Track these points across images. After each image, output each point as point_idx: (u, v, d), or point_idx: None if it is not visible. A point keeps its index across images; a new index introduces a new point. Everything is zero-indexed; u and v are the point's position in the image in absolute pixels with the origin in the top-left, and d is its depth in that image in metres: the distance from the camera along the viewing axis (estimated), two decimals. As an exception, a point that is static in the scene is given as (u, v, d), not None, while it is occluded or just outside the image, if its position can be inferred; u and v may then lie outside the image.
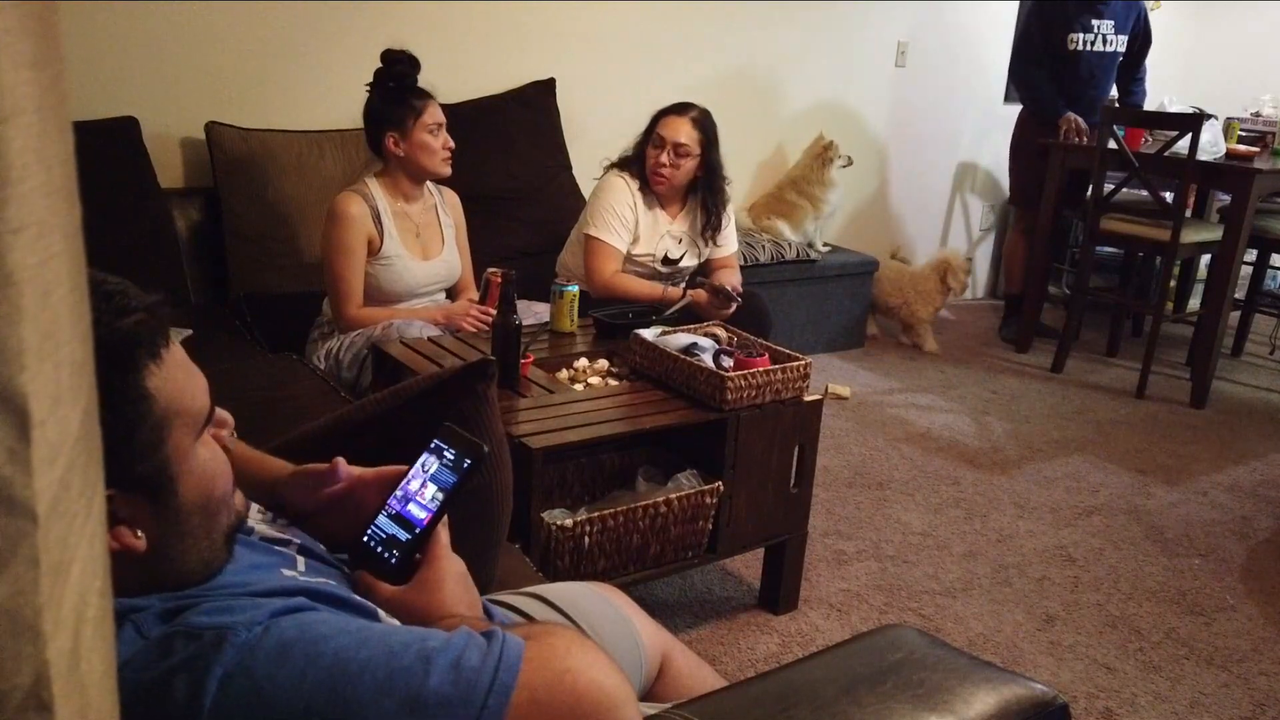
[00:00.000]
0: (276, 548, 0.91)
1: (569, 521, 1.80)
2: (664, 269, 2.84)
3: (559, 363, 2.23)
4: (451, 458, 0.97)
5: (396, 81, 2.41)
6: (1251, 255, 4.24)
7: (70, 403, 0.37)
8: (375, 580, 0.93)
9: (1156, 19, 4.62)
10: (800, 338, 3.95)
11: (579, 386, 2.12)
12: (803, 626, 2.20)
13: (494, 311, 2.19)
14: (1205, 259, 4.41)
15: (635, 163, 2.77)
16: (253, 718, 0.70)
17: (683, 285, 2.71)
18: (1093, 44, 4.09)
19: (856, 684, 0.88)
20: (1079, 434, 3.44)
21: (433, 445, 0.99)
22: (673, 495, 1.92)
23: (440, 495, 0.95)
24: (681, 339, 2.10)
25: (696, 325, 2.27)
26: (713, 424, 1.97)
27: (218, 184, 2.79)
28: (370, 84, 2.43)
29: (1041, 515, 2.82)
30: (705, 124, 2.73)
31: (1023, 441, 3.34)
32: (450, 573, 0.93)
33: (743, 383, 1.95)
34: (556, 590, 1.27)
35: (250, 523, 0.92)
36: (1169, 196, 3.77)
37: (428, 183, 2.54)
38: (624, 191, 2.74)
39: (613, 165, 2.82)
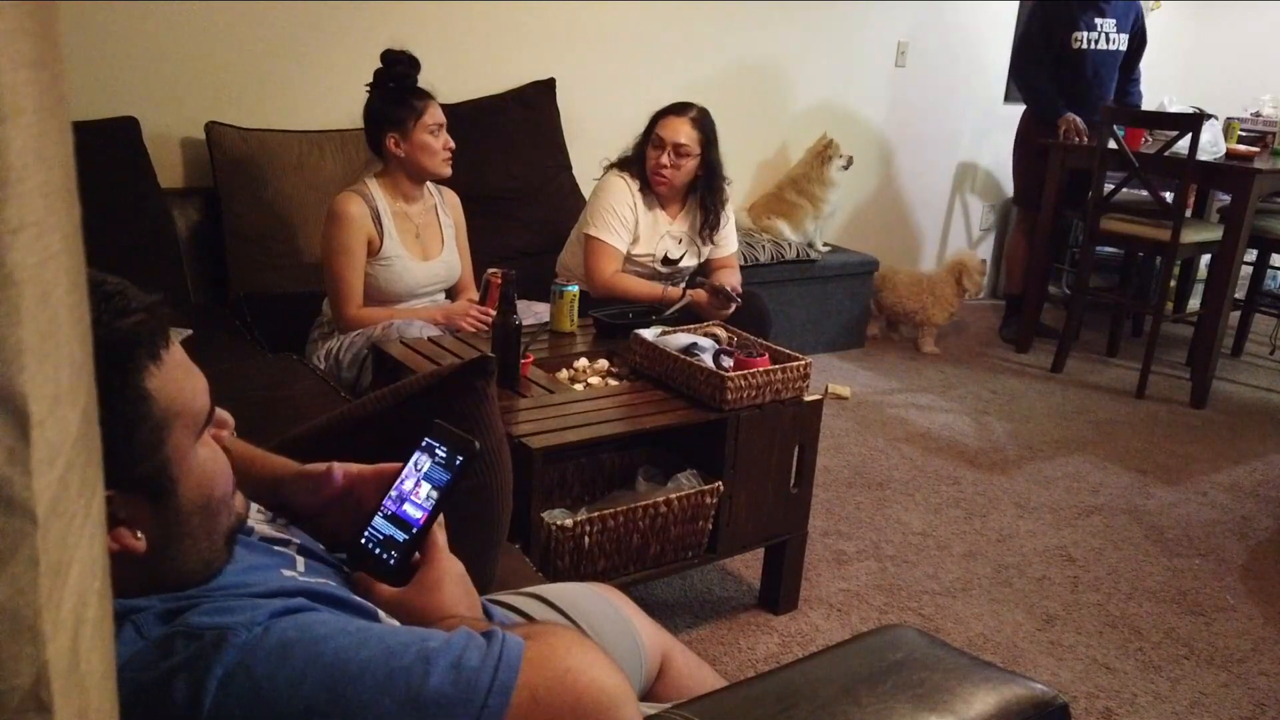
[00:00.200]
0: (276, 548, 0.91)
1: (569, 521, 1.80)
2: (664, 269, 2.84)
3: (559, 363, 2.23)
4: (444, 455, 0.96)
5: (397, 82, 2.40)
6: (1251, 255, 4.24)
7: (69, 403, 0.37)
8: (374, 581, 0.92)
9: (1157, 19, 4.63)
10: (800, 338, 3.95)
11: (579, 386, 2.12)
12: (803, 626, 2.20)
13: (494, 311, 2.19)
14: (1205, 259, 4.41)
15: (635, 163, 2.77)
16: (253, 718, 0.70)
17: (682, 285, 2.71)
18: (1096, 42, 4.09)
19: (856, 684, 0.88)
20: (1079, 434, 3.44)
21: (424, 443, 0.98)
22: (673, 495, 1.92)
23: (435, 494, 0.94)
24: (681, 339, 2.10)
25: (696, 325, 2.27)
26: (713, 424, 1.97)
27: (218, 184, 2.79)
28: (370, 84, 2.43)
29: (1041, 515, 2.82)
30: (704, 123, 2.73)
31: (1023, 441, 3.34)
32: (449, 573, 0.93)
33: (743, 383, 1.95)
34: (556, 590, 1.27)
35: (250, 523, 0.92)
36: (1169, 196, 3.77)
37: (428, 183, 2.54)
38: (624, 191, 2.74)
39: (612, 165, 2.82)
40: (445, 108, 2.50)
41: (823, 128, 4.10)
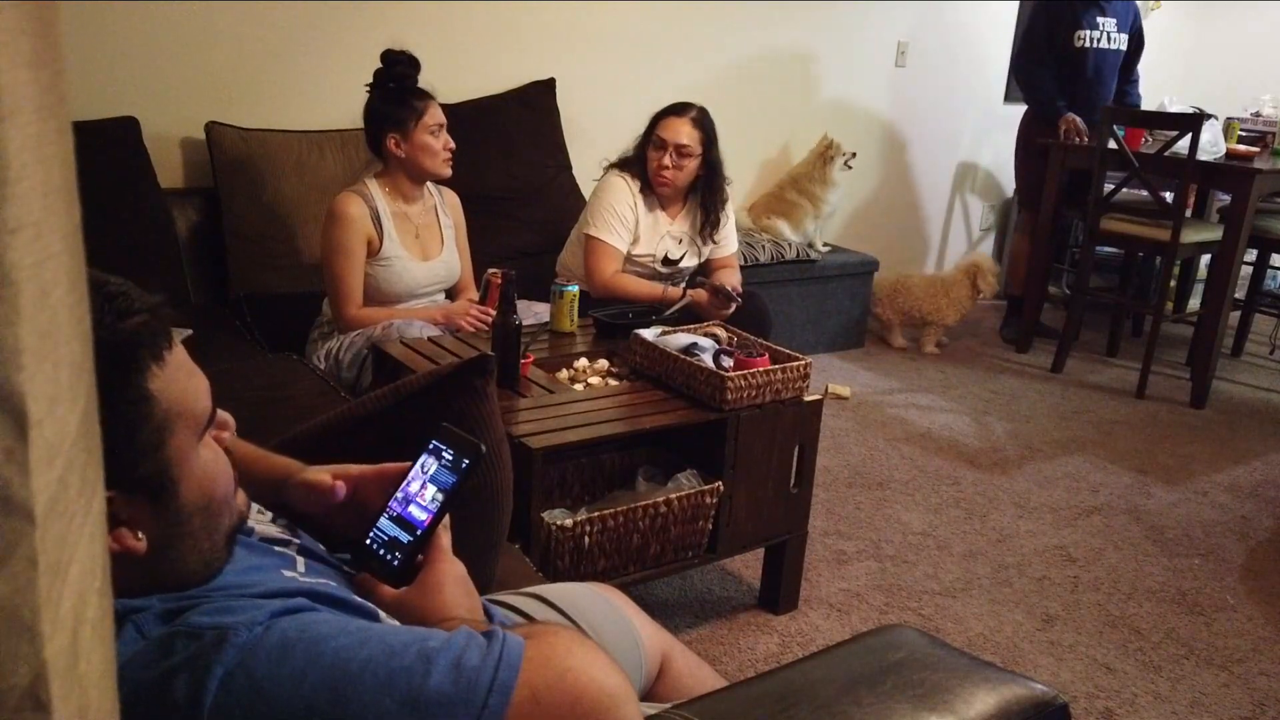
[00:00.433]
0: (277, 548, 0.91)
1: (569, 521, 1.80)
2: (664, 269, 2.84)
3: (559, 363, 2.23)
4: (450, 458, 0.97)
5: (397, 82, 2.40)
6: (1251, 255, 4.24)
7: (69, 403, 0.37)
8: (376, 582, 0.93)
9: (1157, 19, 4.62)
10: (800, 338, 3.95)
11: (579, 386, 2.12)
12: (803, 626, 2.20)
13: (494, 311, 2.19)
14: (1205, 259, 4.41)
15: (635, 163, 2.77)
16: (253, 717, 0.70)
17: (683, 285, 2.71)
18: (1098, 41, 4.10)
19: (856, 684, 0.88)
20: (1079, 434, 3.44)
21: (431, 446, 0.99)
22: (673, 495, 1.92)
23: (440, 496, 0.95)
24: (681, 339, 2.10)
25: (696, 325, 2.27)
26: (713, 424, 1.97)
27: (218, 184, 2.79)
28: (370, 84, 2.43)
29: (1041, 515, 2.82)
30: (705, 123, 2.73)
31: (1023, 441, 3.34)
32: (451, 575, 0.93)
33: (743, 383, 1.95)
34: (556, 590, 1.27)
35: (251, 523, 0.92)
36: (1169, 196, 3.77)
37: (427, 183, 2.54)
38: (624, 191, 2.74)
39: (612, 165, 2.82)
40: (445, 108, 2.50)
41: (823, 128, 4.10)
